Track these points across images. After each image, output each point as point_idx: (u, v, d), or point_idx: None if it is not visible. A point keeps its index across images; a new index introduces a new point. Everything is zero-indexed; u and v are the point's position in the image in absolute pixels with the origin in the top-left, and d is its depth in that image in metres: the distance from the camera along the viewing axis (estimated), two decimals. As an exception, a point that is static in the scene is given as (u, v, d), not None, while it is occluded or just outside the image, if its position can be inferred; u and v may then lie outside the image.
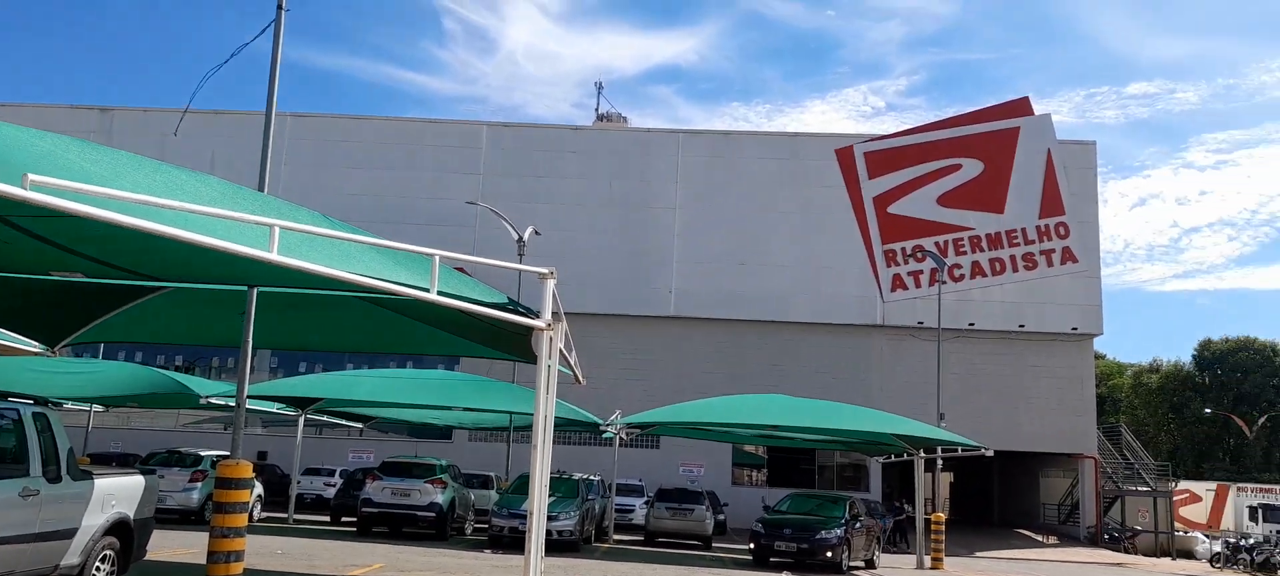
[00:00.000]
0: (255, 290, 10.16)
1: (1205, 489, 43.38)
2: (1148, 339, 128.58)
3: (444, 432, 35.71)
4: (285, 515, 24.97)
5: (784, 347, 38.45)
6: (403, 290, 7.09)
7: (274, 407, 24.88)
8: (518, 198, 38.09)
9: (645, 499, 28.88)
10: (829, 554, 19.92)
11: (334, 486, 29.11)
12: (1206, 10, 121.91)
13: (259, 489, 23.55)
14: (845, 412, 24.69)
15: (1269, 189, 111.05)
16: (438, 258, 7.05)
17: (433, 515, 21.47)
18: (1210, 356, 63.63)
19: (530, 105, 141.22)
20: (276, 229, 5.97)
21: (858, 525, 21.51)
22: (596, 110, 45.18)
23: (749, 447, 37.13)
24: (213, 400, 22.38)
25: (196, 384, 23.09)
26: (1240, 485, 44.40)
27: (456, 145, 40.33)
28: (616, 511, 27.16)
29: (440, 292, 7.13)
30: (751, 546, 21.26)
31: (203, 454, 22.89)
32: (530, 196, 38.62)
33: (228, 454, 11.61)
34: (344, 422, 29.68)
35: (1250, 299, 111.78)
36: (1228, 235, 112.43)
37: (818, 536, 20.15)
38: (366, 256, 7.69)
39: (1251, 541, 33.61)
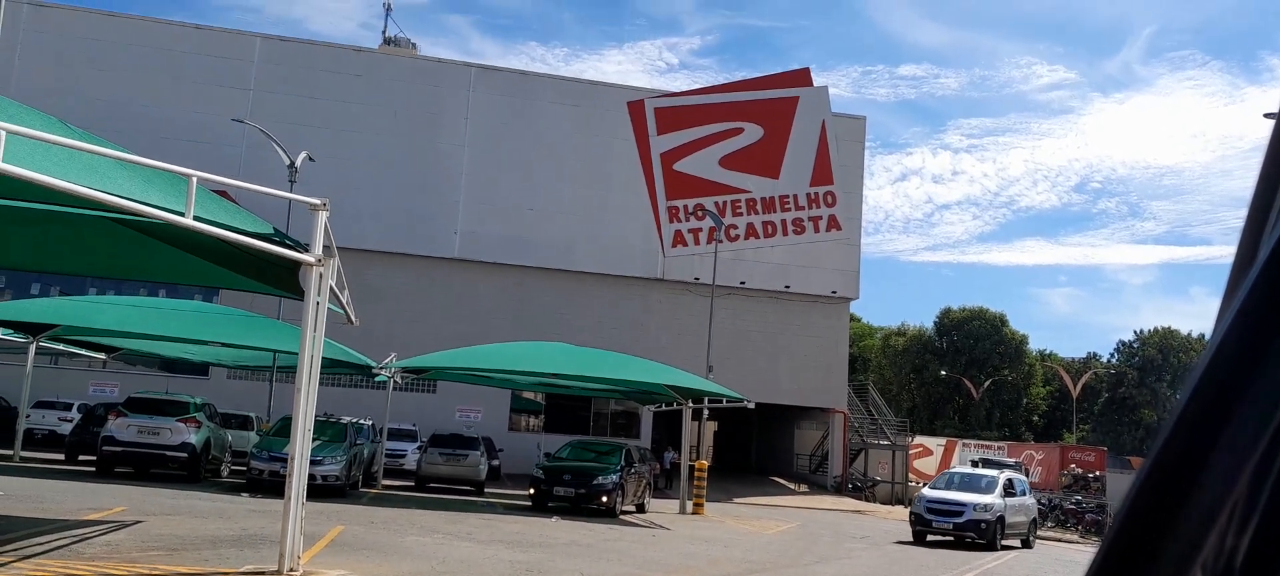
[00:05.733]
0: (-26, 200, 8.96)
1: (936, 443, 48.04)
2: (897, 304, 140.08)
3: (200, 369, 33.38)
4: (10, 452, 22.54)
5: (568, 296, 38.74)
6: (154, 212, 6.48)
7: (0, 332, 22.31)
8: (292, 120, 35.74)
9: (418, 444, 28.37)
10: (604, 498, 20.57)
11: (71, 421, 26.65)
12: (973, 3, 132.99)
13: (-24, 423, 21.10)
14: (624, 363, 25.30)
15: (1009, 174, 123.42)
16: (195, 179, 6.50)
17: (184, 456, 20.11)
18: (949, 324, 70.30)
19: (311, 21, 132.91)
20: (2, 133, 5.27)
21: (633, 471, 22.25)
22: (384, 33, 43.07)
23: (527, 394, 37.27)
24: (-80, 322, 19.76)
25: (-101, 302, 20.27)
26: (965, 440, 49.53)
27: (226, 56, 37.25)
28: (388, 456, 26.53)
29: (197, 217, 6.58)
30: (531, 491, 21.63)
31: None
32: (306, 120, 36.37)
33: (-65, 384, 10.28)
34: (84, 353, 27.09)
35: (986, 273, 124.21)
36: (972, 213, 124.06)
37: (595, 482, 20.75)
38: (113, 172, 6.95)
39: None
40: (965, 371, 66.19)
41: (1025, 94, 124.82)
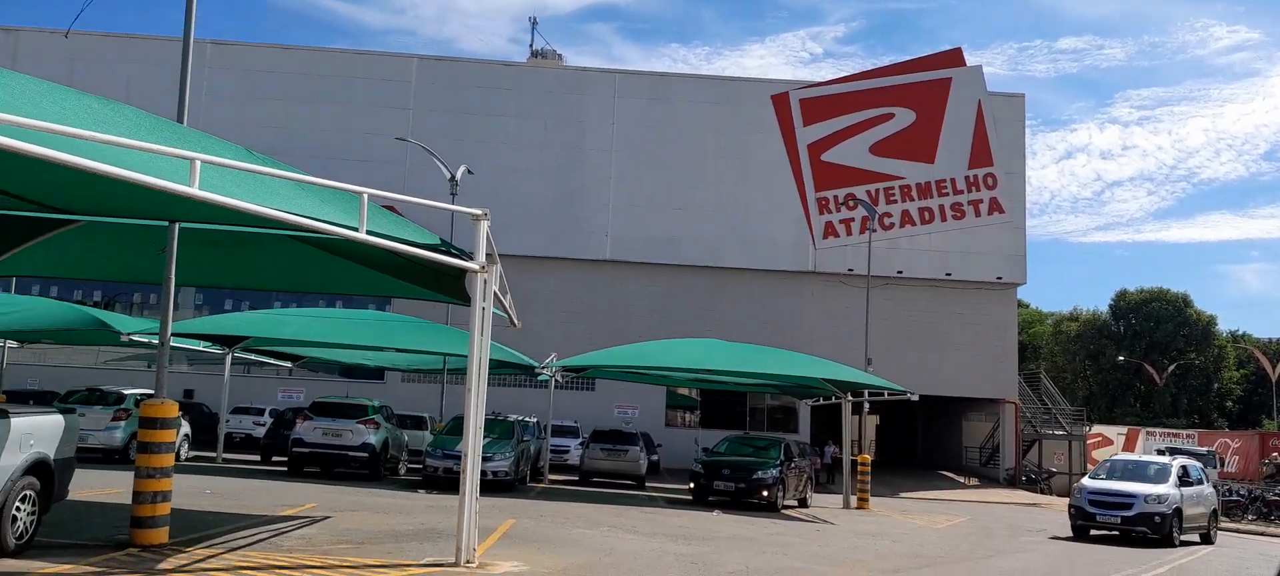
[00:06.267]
0: (177, 225, 9.83)
1: (1116, 433, 45.28)
2: (1068, 288, 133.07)
3: (376, 373, 35.33)
4: (214, 455, 24.52)
5: (718, 292, 38.78)
6: (331, 228, 6.92)
7: (200, 345, 24.32)
8: (450, 136, 37.40)
9: (580, 440, 29.07)
10: (765, 493, 20.42)
11: (264, 426, 28.69)
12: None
13: (186, 428, 23.09)
14: (777, 357, 25.08)
15: (1188, 145, 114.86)
16: (366, 196, 6.90)
17: (365, 455, 21.30)
18: (1125, 306, 66.07)
19: (462, 39, 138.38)
20: (197, 163, 5.76)
21: (793, 466, 22.02)
22: (531, 47, 44.41)
23: (682, 390, 37.53)
24: (134, 337, 21.78)
25: (116, 320, 22.41)
26: (1149, 429, 46.47)
27: (386, 79, 39.35)
28: (552, 452, 27.30)
29: (370, 232, 6.99)
30: (691, 485, 21.70)
31: (126, 392, 22.29)
32: (462, 135, 37.97)
33: (152, 392, 11.32)
34: (273, 362, 29.15)
35: (1165, 251, 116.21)
36: (1147, 189, 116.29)
37: (755, 476, 20.62)
38: (293, 193, 7.48)
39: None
40: (1146, 356, 62.03)
41: (1202, 59, 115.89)
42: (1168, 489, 18.95)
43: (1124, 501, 18.72)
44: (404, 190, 35.04)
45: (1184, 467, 20.41)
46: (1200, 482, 20.75)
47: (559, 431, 29.55)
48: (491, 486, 19.22)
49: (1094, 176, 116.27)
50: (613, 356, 24.28)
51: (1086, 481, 20.66)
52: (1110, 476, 20.15)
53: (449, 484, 17.90)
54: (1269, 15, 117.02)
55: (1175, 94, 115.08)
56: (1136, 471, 20.09)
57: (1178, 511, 18.82)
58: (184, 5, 10.42)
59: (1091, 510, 19.02)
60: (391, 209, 12.17)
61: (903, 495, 31.31)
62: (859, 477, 24.15)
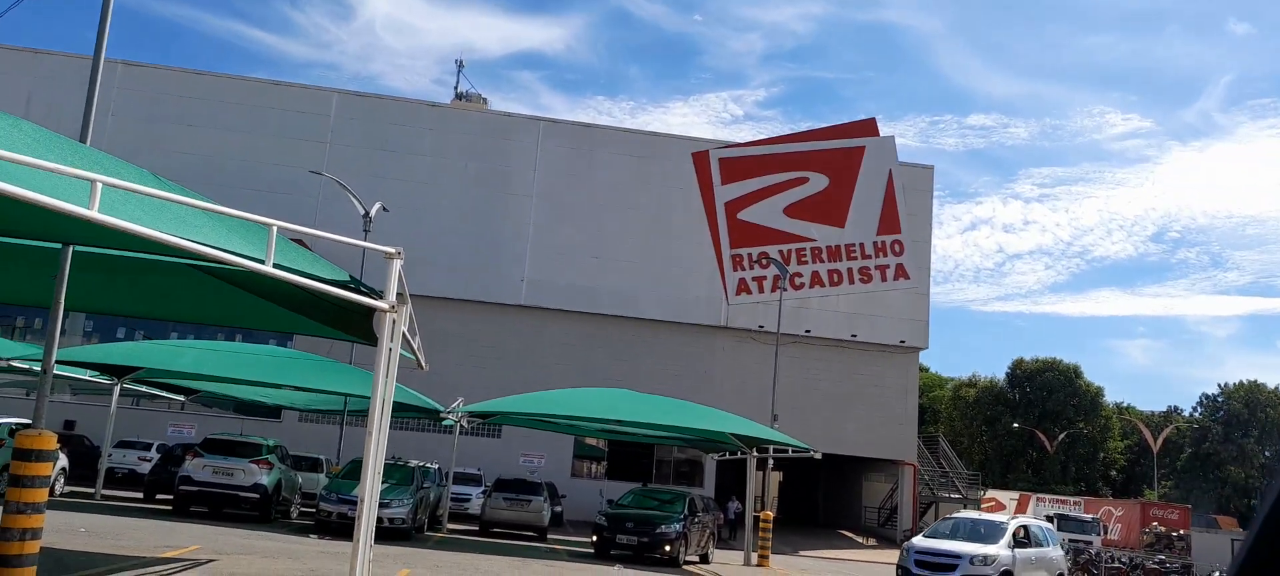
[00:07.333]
0: (71, 248, 9.42)
1: (1009, 497, 46.62)
2: (968, 355, 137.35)
3: (273, 411, 34.19)
4: (92, 490, 23.31)
5: (632, 342, 38.87)
6: (236, 260, 6.73)
7: (86, 374, 23.23)
8: (367, 172, 36.86)
9: (483, 488, 28.57)
10: (667, 548, 20.39)
11: (150, 461, 27.46)
12: (1041, 53, 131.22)
13: (63, 461, 21.91)
14: (688, 410, 25.20)
15: (1083, 223, 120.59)
16: (275, 228, 6.74)
17: (257, 496, 20.56)
18: (1021, 375, 68.49)
19: (387, 77, 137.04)
20: (98, 184, 5.57)
21: (696, 520, 22.05)
22: (456, 89, 44.32)
23: (590, 440, 37.33)
24: (15, 363, 20.69)
25: (-4, 345, 21.24)
26: (1040, 495, 48.00)
27: (304, 111, 38.64)
28: (453, 500, 26.76)
29: (277, 265, 6.82)
30: (593, 538, 21.53)
31: (-1, 421, 21.08)
32: (380, 172, 37.46)
33: (29, 421, 10.73)
34: (164, 394, 27.99)
35: (1059, 324, 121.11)
36: (1045, 263, 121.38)
37: (658, 530, 20.58)
38: (198, 221, 7.26)
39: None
40: (1039, 424, 64.33)
41: (1099, 143, 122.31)
42: (997, 550, 18.23)
43: (948, 562, 18.00)
44: (316, 225, 34.34)
45: (1025, 528, 19.69)
46: (1046, 545, 20.11)
47: (461, 478, 28.98)
48: (388, 533, 18.72)
49: (996, 248, 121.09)
50: (521, 403, 24.06)
51: (917, 540, 19.96)
52: (942, 536, 19.47)
53: (343, 529, 17.37)
54: (1160, 105, 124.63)
55: (1073, 174, 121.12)
56: (970, 530, 19.39)
57: (1007, 574, 18.09)
58: (97, 23, 10.09)
59: (917, 571, 18.38)
60: (301, 242, 11.89)
61: (803, 553, 31.60)
62: (761, 534, 24.30)
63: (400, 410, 21.03)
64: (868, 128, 42.16)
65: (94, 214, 5.47)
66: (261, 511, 20.72)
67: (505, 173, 39.38)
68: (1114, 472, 70.79)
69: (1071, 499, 47.53)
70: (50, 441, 8.99)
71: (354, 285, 8.10)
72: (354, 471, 20.40)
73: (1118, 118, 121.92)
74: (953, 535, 19.22)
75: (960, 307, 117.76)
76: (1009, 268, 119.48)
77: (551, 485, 29.97)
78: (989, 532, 18.97)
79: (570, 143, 40.26)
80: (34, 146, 6.16)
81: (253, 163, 37.19)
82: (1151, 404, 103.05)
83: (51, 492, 10.98)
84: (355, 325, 10.33)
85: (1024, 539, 19.25)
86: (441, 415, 24.18)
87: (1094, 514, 39.64)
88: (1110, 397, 72.64)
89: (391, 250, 7.81)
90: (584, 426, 28.52)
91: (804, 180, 40.83)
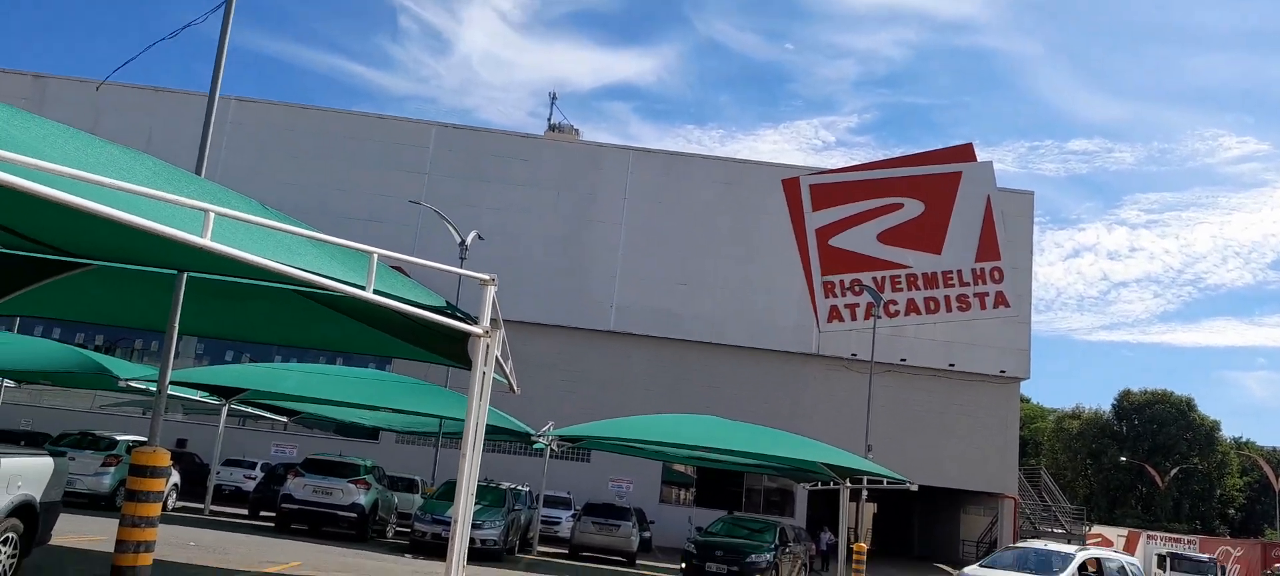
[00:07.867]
0: (185, 275, 9.90)
1: (1117, 534, 44.62)
2: (1071, 385, 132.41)
3: (371, 433, 35.12)
4: (201, 506, 24.29)
5: (719, 369, 38.68)
6: (338, 286, 6.96)
7: (197, 395, 24.23)
8: (463, 201, 37.78)
9: (572, 512, 28.73)
10: (757, 577, 20.10)
11: (254, 479, 28.44)
12: (1146, 76, 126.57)
13: (175, 477, 22.89)
14: (777, 438, 24.87)
15: (1195, 250, 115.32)
16: (376, 255, 6.95)
17: (354, 515, 21.07)
18: (1129, 407, 65.63)
19: (482, 110, 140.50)
20: (211, 214, 5.82)
21: (787, 550, 21.72)
22: (549, 121, 45.09)
23: (679, 466, 37.20)
24: (132, 383, 21.73)
25: (116, 365, 22.38)
26: (1150, 532, 45.81)
27: (403, 143, 39.88)
28: (543, 523, 26.97)
29: (376, 291, 7.02)
30: (682, 566, 21.39)
31: (118, 438, 22.16)
32: (475, 201, 38.35)
33: (145, 439, 11.26)
34: (268, 415, 29.01)
35: (1170, 354, 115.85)
36: (1153, 292, 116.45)
37: (748, 559, 20.34)
38: (302, 249, 7.53)
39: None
40: (1148, 458, 61.44)
41: (1211, 166, 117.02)
42: None
43: None
44: (414, 253, 35.35)
45: (1097, 562, 18.35)
46: None
47: (551, 502, 29.21)
48: (479, 554, 18.96)
49: (1100, 276, 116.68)
50: (610, 428, 24.12)
51: (973, 569, 18.93)
52: (1003, 566, 18.30)
53: (436, 549, 17.67)
54: (1278, 128, 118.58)
55: (1183, 199, 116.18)
56: (1033, 562, 18.14)
57: None
58: (213, 62, 10.64)
59: None
60: (400, 270, 12.23)
61: (898, 587, 30.78)
62: (854, 566, 23.77)
63: (493, 433, 21.34)
64: (964, 153, 41.23)
65: (207, 242, 5.73)
66: (358, 530, 21.22)
67: (595, 201, 39.83)
68: (1232, 510, 67.08)
69: (1186, 537, 45.23)
70: (164, 458, 9.41)
71: (450, 311, 8.28)
72: (448, 492, 20.75)
73: (1232, 141, 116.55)
74: (1015, 566, 18.00)
75: (1063, 337, 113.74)
76: (1114, 296, 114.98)
77: (640, 510, 29.96)
78: (1053, 565, 17.70)
79: (659, 170, 40.50)
80: (153, 178, 6.50)
81: (355, 193, 38.54)
82: (1273, 439, 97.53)
83: (164, 507, 11.49)
84: (451, 349, 10.56)
85: (1096, 574, 17.99)
86: (532, 438, 24.43)
87: (1211, 553, 37.59)
88: (1228, 432, 69.08)
89: (486, 277, 7.96)
90: (673, 452, 28.42)
91: (898, 206, 40.13)
